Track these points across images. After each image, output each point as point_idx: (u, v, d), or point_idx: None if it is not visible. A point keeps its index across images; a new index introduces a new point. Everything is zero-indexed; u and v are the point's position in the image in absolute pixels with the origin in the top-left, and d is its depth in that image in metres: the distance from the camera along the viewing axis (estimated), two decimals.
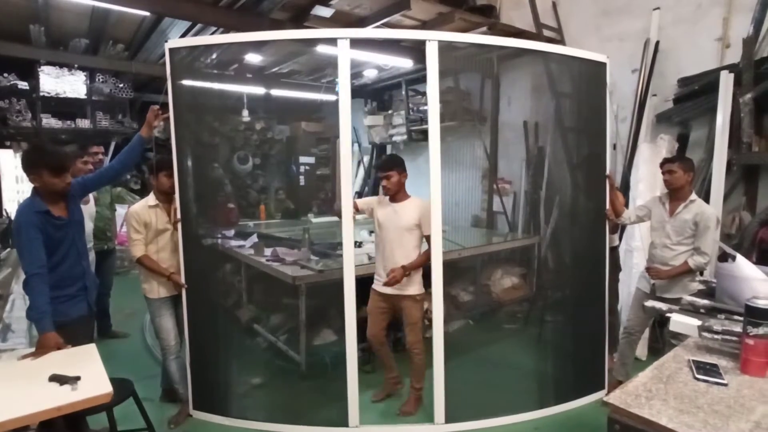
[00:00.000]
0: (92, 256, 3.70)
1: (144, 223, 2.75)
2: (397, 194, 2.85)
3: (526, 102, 5.69)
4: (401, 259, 2.80)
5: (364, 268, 3.62)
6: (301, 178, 8.98)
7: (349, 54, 2.64)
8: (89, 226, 3.43)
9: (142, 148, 2.62)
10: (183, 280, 2.76)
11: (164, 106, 2.66)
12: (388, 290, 2.85)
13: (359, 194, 8.86)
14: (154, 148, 2.73)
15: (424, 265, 2.81)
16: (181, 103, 2.74)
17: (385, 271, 2.85)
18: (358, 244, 4.30)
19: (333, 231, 5.83)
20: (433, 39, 2.65)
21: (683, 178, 2.80)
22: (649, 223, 3.04)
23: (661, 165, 2.92)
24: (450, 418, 2.77)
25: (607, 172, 3.05)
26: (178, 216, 2.74)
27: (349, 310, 2.73)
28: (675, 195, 2.87)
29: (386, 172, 2.81)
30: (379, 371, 3.51)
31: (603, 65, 3.01)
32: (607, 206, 3.04)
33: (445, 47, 2.72)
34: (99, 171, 2.73)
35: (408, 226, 2.80)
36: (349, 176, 2.83)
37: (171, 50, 2.68)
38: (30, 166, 2.14)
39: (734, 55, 3.81)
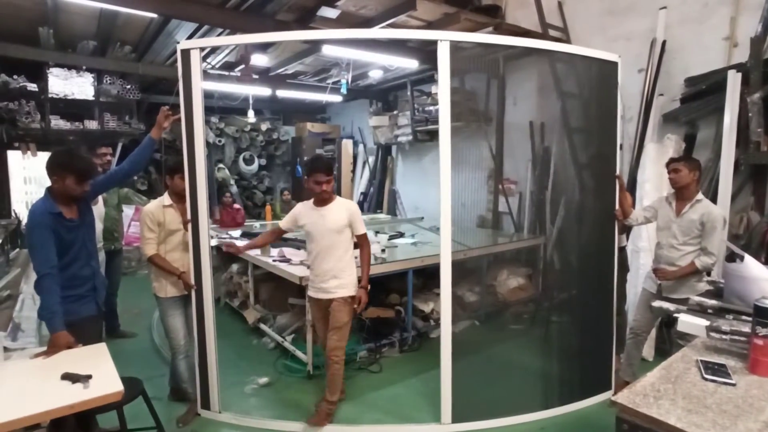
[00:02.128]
0: (102, 256, 3.74)
1: (158, 223, 2.78)
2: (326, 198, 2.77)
3: (533, 102, 5.69)
4: (334, 263, 2.72)
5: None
6: None
7: (199, 65, 2.64)
8: (99, 226, 3.46)
9: (153, 149, 2.65)
10: (192, 280, 2.78)
11: (173, 108, 2.67)
12: (321, 295, 2.78)
13: (365, 195, 8.88)
14: (163, 149, 2.73)
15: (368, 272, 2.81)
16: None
17: (318, 278, 2.76)
18: None
19: None
20: (444, 39, 2.64)
21: (688, 176, 2.79)
22: (656, 224, 3.03)
23: (667, 164, 2.91)
24: (456, 418, 2.77)
25: (617, 172, 3.05)
26: (188, 216, 2.76)
27: (208, 308, 2.78)
28: (681, 195, 2.86)
29: (328, 176, 2.70)
30: (385, 371, 3.53)
31: (614, 65, 3.00)
32: (617, 207, 3.04)
33: (456, 47, 2.69)
34: (109, 172, 2.76)
35: (337, 227, 2.70)
36: (204, 185, 2.73)
37: (183, 51, 2.68)
38: (57, 168, 2.18)
39: (742, 55, 3.79)
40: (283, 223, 2.95)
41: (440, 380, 2.75)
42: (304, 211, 2.83)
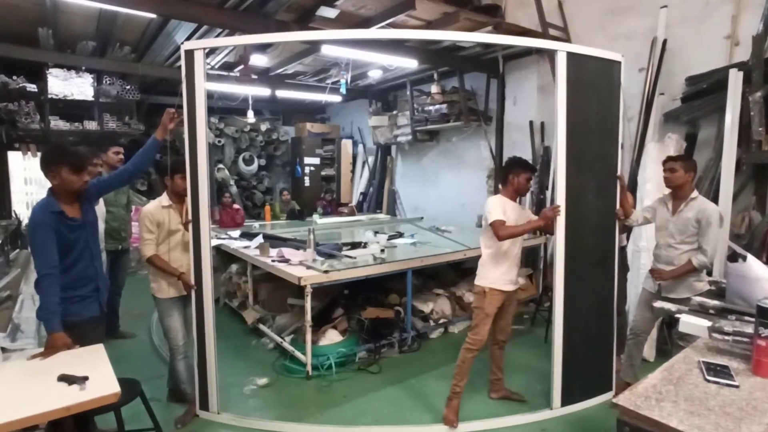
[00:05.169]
0: (103, 257, 3.73)
1: (157, 223, 2.77)
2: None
3: (532, 102, 5.69)
4: None
5: (369, 269, 3.64)
6: (306, 179, 9.01)
7: (203, 65, 2.66)
8: (100, 226, 3.45)
9: (157, 150, 2.63)
10: (193, 280, 2.76)
11: (179, 109, 2.66)
12: (514, 286, 2.97)
13: (364, 195, 8.87)
14: (168, 150, 2.72)
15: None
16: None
17: (514, 269, 2.91)
18: (363, 245, 4.30)
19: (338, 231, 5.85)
20: (562, 50, 2.75)
21: (683, 177, 2.79)
22: (654, 224, 3.03)
23: (664, 163, 2.89)
24: (458, 417, 2.76)
25: (618, 172, 3.03)
26: (189, 217, 2.75)
27: (208, 309, 2.79)
28: (676, 194, 2.86)
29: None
30: (384, 372, 3.53)
31: (617, 64, 2.97)
32: (617, 207, 3.02)
33: (572, 57, 2.77)
34: (114, 172, 2.75)
35: None
36: (206, 185, 2.74)
37: (186, 52, 2.64)
38: (50, 164, 2.17)
39: (743, 53, 3.77)
40: (501, 214, 2.77)
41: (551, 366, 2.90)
42: (505, 204, 2.84)
